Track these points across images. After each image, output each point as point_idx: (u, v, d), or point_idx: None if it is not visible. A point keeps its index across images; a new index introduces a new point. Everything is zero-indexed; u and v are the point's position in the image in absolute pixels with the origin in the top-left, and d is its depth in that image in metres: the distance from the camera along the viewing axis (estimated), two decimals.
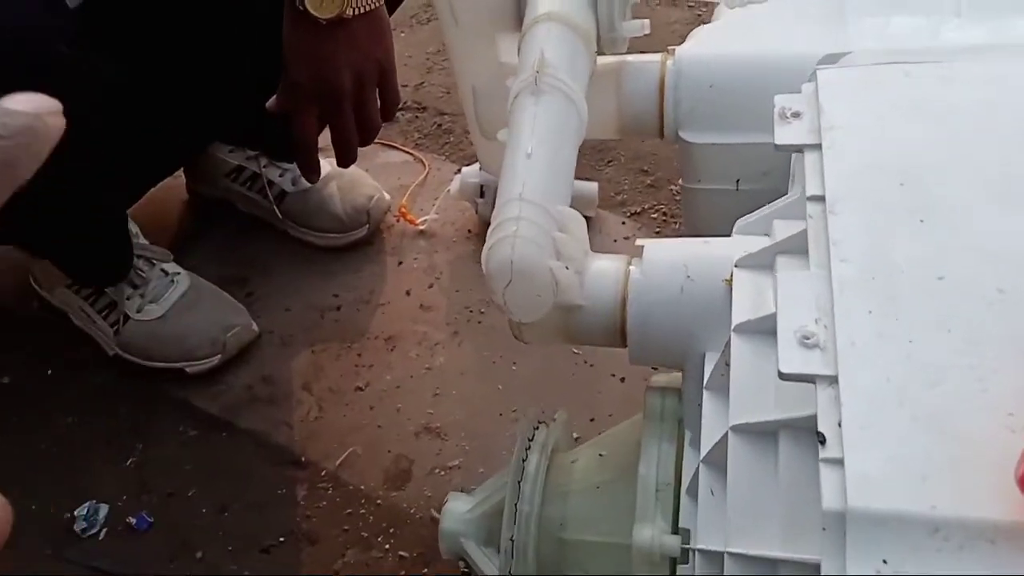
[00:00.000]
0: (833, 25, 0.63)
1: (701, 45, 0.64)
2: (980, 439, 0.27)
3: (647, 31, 0.63)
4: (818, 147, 0.39)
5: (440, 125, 1.31)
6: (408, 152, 1.27)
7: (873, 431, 0.28)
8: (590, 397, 0.96)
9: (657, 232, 1.11)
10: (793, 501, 0.36)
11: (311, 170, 0.86)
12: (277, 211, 1.15)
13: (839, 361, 0.31)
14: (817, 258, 0.35)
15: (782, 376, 0.31)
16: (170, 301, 1.04)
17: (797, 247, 0.44)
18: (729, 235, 0.66)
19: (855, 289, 0.33)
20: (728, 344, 0.43)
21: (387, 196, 1.17)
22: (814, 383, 0.31)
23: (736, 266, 0.46)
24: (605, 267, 0.50)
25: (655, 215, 1.13)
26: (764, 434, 0.38)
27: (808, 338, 0.32)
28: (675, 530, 0.47)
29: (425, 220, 1.17)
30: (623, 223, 1.13)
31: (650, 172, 1.17)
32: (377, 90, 0.81)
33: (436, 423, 0.98)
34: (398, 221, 1.18)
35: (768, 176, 0.63)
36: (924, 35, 0.61)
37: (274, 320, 1.09)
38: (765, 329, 0.42)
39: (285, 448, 0.98)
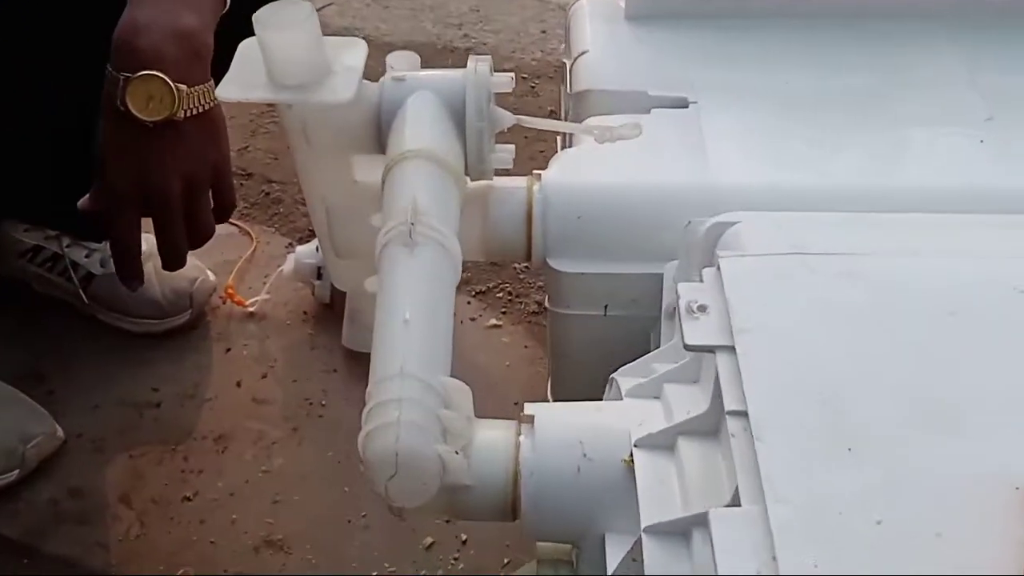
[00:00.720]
0: (694, 156, 0.63)
1: (567, 173, 0.63)
2: None
3: (512, 159, 0.61)
4: (731, 350, 0.38)
5: (268, 194, 1.23)
6: (233, 224, 1.18)
7: None
8: None
9: (503, 312, 1.09)
10: None
11: (133, 278, 0.77)
12: (83, 295, 1.03)
13: None
14: (749, 492, 0.33)
15: None
16: None
17: (698, 429, 0.43)
18: (594, 356, 0.66)
19: (796, 537, 0.31)
20: (639, 542, 0.41)
21: (211, 276, 1.08)
22: None
23: (636, 446, 0.44)
24: (493, 440, 0.47)
25: (500, 294, 1.11)
26: None
27: None
28: None
29: (255, 301, 1.08)
30: (468, 303, 1.10)
31: None
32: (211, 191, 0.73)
33: (277, 535, 0.90)
34: (224, 303, 1.09)
35: (637, 303, 0.63)
36: (781, 171, 0.62)
37: (82, 421, 0.97)
38: (676, 531, 0.40)
39: (100, 575, 0.87)
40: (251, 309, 1.08)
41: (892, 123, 0.65)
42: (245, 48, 0.60)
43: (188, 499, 0.93)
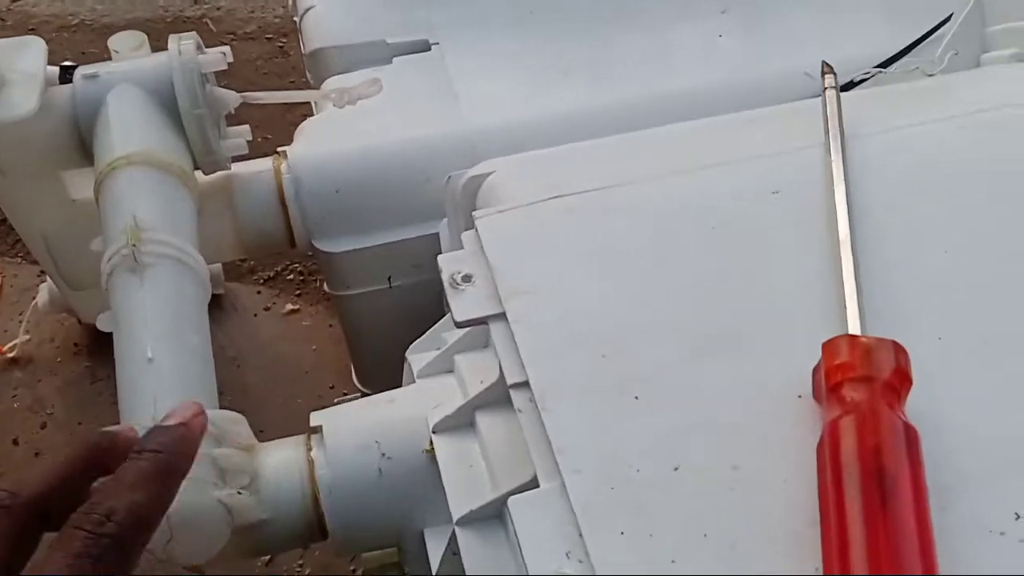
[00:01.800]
0: (444, 102, 0.59)
1: (315, 144, 0.57)
2: None
3: (247, 142, 0.54)
4: (503, 317, 0.35)
5: (3, 221, 1.08)
6: None
7: None
8: None
9: (298, 294, 1.02)
10: None
11: None
12: None
13: None
14: (544, 468, 0.31)
15: None
16: None
17: (494, 399, 0.40)
18: (391, 332, 0.62)
19: (598, 508, 0.29)
20: (454, 535, 0.38)
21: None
22: None
23: (434, 432, 0.41)
24: (282, 464, 0.42)
25: (291, 276, 1.04)
26: None
27: None
28: None
29: (14, 345, 0.96)
30: (259, 292, 1.03)
31: None
32: None
33: None
34: None
35: (421, 267, 0.59)
36: (536, 103, 0.59)
37: None
38: (489, 515, 0.37)
39: None
40: (12, 355, 0.96)
41: (636, 32, 0.64)
42: None
43: None
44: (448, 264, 0.37)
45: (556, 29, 0.66)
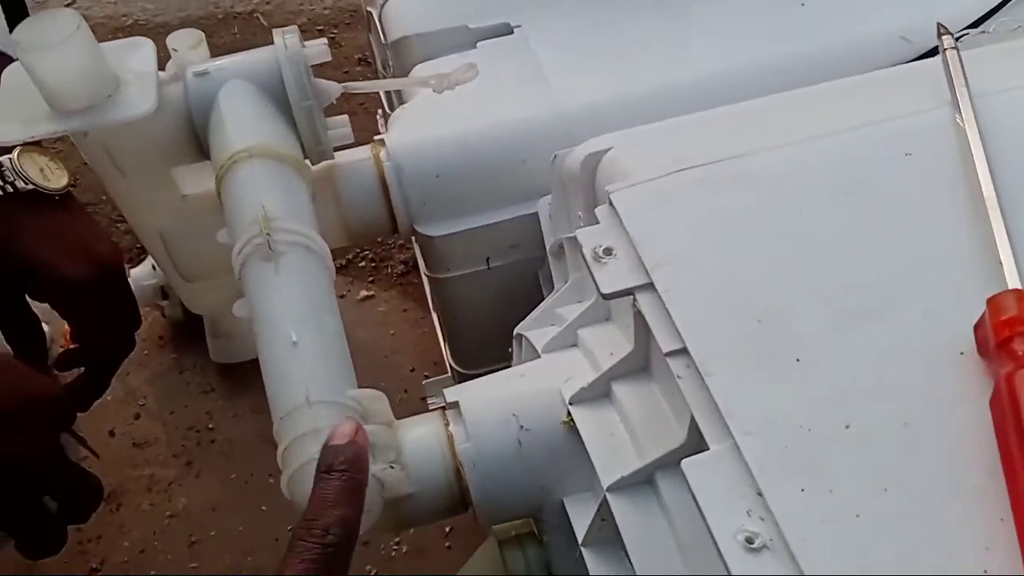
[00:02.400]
0: (535, 83, 0.60)
1: (412, 131, 0.58)
2: None
3: (350, 131, 0.56)
4: (650, 287, 0.36)
5: None
6: None
7: None
8: None
9: (371, 281, 1.04)
10: None
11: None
12: None
13: (799, 562, 0.28)
14: (712, 431, 0.32)
15: None
16: None
17: (628, 370, 0.41)
18: (488, 312, 0.63)
19: (775, 467, 0.30)
20: (604, 502, 0.39)
21: (45, 326, 0.97)
22: None
23: (571, 404, 0.42)
24: (423, 439, 0.44)
25: (363, 264, 1.06)
26: None
27: (752, 540, 0.29)
28: None
29: None
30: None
31: None
32: None
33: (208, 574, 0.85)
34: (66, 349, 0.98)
35: (518, 247, 0.60)
36: (623, 80, 0.60)
37: None
38: (640, 480, 0.38)
39: None
40: None
41: (714, 3, 0.64)
42: (12, 77, 0.51)
43: (96, 570, 0.85)
44: (588, 239, 0.38)
45: (632, 4, 0.66)
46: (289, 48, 0.52)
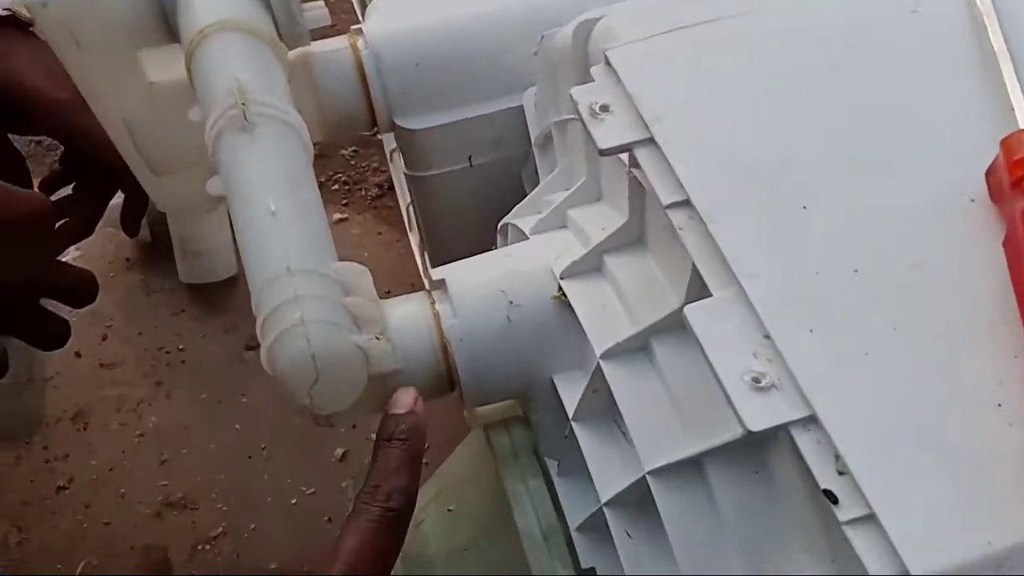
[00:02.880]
0: None
1: (391, 19, 0.56)
2: (988, 446, 0.26)
3: (328, 14, 0.53)
4: (650, 142, 0.34)
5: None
6: None
7: (888, 473, 0.26)
8: None
9: (344, 204, 1.02)
10: (749, 536, 0.32)
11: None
12: None
13: (809, 399, 0.27)
14: (715, 279, 0.31)
15: (751, 435, 0.27)
16: None
17: (622, 243, 0.40)
18: (470, 214, 0.61)
19: (782, 309, 0.29)
20: (597, 372, 0.38)
21: None
22: (787, 431, 0.27)
23: (562, 278, 0.41)
24: (408, 316, 0.42)
25: (335, 187, 1.04)
26: (686, 469, 0.34)
27: (759, 380, 0.28)
28: (578, 574, 0.42)
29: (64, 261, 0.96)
30: None
31: (315, 142, 1.06)
32: None
33: (177, 494, 0.83)
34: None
35: (501, 144, 0.58)
36: None
37: None
38: (635, 348, 0.37)
39: None
40: None
41: None
42: None
43: (63, 487, 0.84)
44: (583, 95, 0.36)
45: None
46: None
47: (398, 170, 0.79)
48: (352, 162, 1.06)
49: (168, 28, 0.51)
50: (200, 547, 0.80)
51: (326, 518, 0.81)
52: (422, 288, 0.79)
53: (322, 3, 0.55)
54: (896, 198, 0.32)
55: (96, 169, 0.61)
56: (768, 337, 0.29)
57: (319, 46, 0.56)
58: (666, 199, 0.33)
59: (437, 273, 0.43)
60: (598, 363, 0.37)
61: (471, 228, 0.59)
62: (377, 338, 0.40)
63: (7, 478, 0.83)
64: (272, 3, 0.50)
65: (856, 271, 0.30)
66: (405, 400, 0.40)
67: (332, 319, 0.38)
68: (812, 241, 0.31)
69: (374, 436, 0.84)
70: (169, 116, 0.54)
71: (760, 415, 0.27)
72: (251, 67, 0.45)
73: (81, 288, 0.52)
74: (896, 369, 0.28)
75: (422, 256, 0.76)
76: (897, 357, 0.28)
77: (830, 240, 0.31)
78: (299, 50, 0.54)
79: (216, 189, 0.44)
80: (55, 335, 0.51)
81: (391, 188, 1.02)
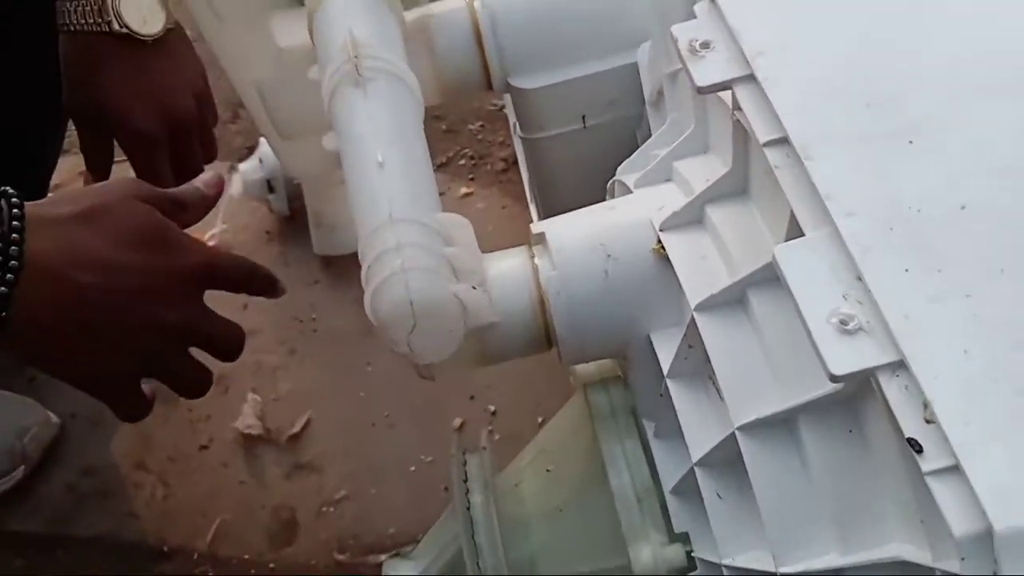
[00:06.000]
0: None
1: None
2: None
3: None
4: (751, 79, 0.33)
5: None
6: None
7: (978, 423, 0.24)
8: (463, 378, 0.88)
9: (471, 179, 1.04)
10: (840, 498, 0.31)
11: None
12: None
13: (899, 342, 0.25)
14: (809, 217, 0.29)
15: (834, 379, 0.25)
16: None
17: (725, 192, 0.39)
18: (584, 176, 0.61)
19: (877, 247, 0.27)
20: (691, 325, 0.37)
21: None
22: (874, 376, 0.26)
23: (662, 230, 0.40)
24: (508, 269, 0.43)
25: (463, 162, 1.05)
26: (777, 426, 0.33)
27: (846, 323, 0.26)
28: (671, 538, 0.41)
29: (213, 234, 1.02)
30: None
31: (443, 117, 1.08)
32: None
33: (305, 457, 0.88)
34: None
35: (616, 104, 0.58)
36: None
37: (72, 401, 0.92)
38: (731, 300, 0.36)
39: (140, 543, 0.84)
40: (211, 243, 1.02)
41: None
42: None
43: (205, 447, 0.89)
44: (683, 32, 0.35)
45: None
46: None
47: (520, 143, 0.79)
48: (479, 137, 1.07)
49: None
50: (325, 509, 0.84)
51: (443, 487, 0.82)
52: None
53: None
54: (1009, 131, 0.29)
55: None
56: (860, 278, 0.27)
57: (437, 7, 0.57)
58: (763, 136, 0.31)
59: (538, 227, 0.43)
60: (692, 316, 0.36)
61: (585, 191, 0.58)
62: (475, 288, 0.40)
63: (156, 436, 0.90)
64: None
65: (963, 207, 0.28)
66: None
67: (431, 267, 0.39)
68: (916, 176, 0.29)
69: (491, 408, 0.86)
70: (295, 81, 0.56)
71: (845, 359, 0.25)
72: (367, 22, 0.47)
73: (232, 342, 0.52)
74: (998, 314, 0.25)
75: (539, 217, 0.76)
76: (1000, 301, 0.25)
77: (936, 175, 0.28)
78: (417, 11, 0.56)
79: (331, 145, 0.45)
80: (198, 385, 0.51)
81: (515, 163, 1.03)
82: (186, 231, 0.48)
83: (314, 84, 0.48)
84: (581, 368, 0.47)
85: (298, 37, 0.57)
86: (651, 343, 0.41)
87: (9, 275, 0.38)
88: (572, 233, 0.42)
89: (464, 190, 1.02)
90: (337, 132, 0.44)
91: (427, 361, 0.41)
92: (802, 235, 0.30)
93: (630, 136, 0.59)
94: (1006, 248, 0.27)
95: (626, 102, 0.57)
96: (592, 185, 0.56)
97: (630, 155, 0.59)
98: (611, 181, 0.51)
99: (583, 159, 0.60)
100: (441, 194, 1.01)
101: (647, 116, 0.54)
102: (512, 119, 0.89)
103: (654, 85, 0.51)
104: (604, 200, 0.54)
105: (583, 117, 0.58)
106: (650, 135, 0.55)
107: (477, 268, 0.41)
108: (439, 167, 1.05)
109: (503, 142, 1.05)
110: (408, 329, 0.38)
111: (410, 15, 0.54)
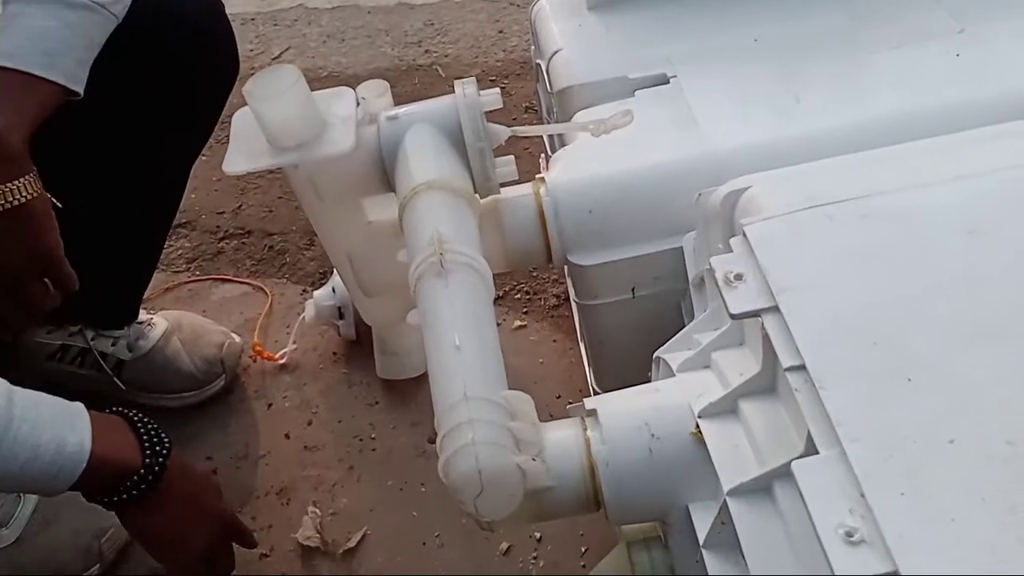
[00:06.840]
0: (686, 128, 0.65)
1: (570, 170, 0.65)
2: None
3: (514, 171, 0.63)
4: (775, 310, 0.40)
5: (271, 247, 1.25)
6: (244, 282, 1.20)
7: None
8: None
9: (525, 312, 1.11)
10: None
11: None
12: (119, 382, 1.05)
13: (895, 557, 0.31)
14: (822, 439, 0.35)
15: None
16: (23, 519, 0.92)
17: (756, 389, 0.45)
18: (631, 338, 0.68)
19: (878, 472, 0.33)
20: (724, 506, 0.43)
21: (237, 337, 1.09)
22: None
23: (700, 417, 0.46)
24: (562, 440, 0.49)
25: (518, 296, 1.13)
26: None
27: (852, 535, 0.32)
28: None
29: (284, 353, 1.10)
30: None
31: None
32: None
33: (359, 571, 0.92)
34: (255, 360, 1.10)
35: (662, 279, 0.65)
36: (769, 125, 0.64)
37: None
38: (759, 488, 0.42)
39: None
40: (282, 361, 1.10)
41: (868, 54, 0.67)
42: (240, 120, 0.62)
43: (265, 555, 0.95)
44: (721, 264, 0.42)
45: (783, 55, 0.70)
46: (467, 96, 0.60)
47: (575, 306, 0.87)
48: (533, 273, 1.15)
49: (386, 180, 0.62)
50: None
51: None
52: (588, 394, 0.86)
53: (512, 158, 0.64)
54: (997, 374, 0.35)
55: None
56: (863, 496, 0.33)
57: (507, 192, 0.65)
58: (786, 362, 0.38)
59: (590, 403, 0.50)
60: (725, 499, 0.42)
61: (632, 351, 0.65)
62: (534, 459, 0.46)
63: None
64: (471, 164, 0.60)
65: (951, 442, 0.33)
66: None
67: (498, 440, 0.46)
68: (912, 411, 0.35)
69: (538, 535, 0.90)
70: (381, 250, 0.65)
71: (851, 566, 0.31)
72: (450, 220, 0.55)
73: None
74: (979, 538, 0.31)
75: (590, 368, 0.82)
76: (981, 527, 0.31)
77: (929, 411, 0.34)
78: (491, 197, 0.64)
79: (415, 320, 0.53)
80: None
81: (567, 299, 1.10)
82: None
83: (394, 256, 0.56)
84: (626, 529, 0.52)
85: (385, 214, 0.66)
86: (689, 514, 0.47)
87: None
88: (621, 411, 0.49)
89: (518, 323, 1.10)
90: (420, 312, 0.52)
91: (489, 519, 0.47)
92: (816, 451, 0.36)
93: (675, 306, 0.66)
94: (985, 479, 0.32)
95: (671, 278, 0.64)
96: (640, 346, 0.63)
97: (674, 321, 0.66)
98: (656, 355, 0.57)
99: (631, 323, 0.67)
100: (497, 325, 1.10)
101: (690, 292, 0.61)
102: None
103: (697, 272, 0.58)
104: (647, 362, 0.60)
105: (632, 289, 0.65)
106: (692, 308, 0.62)
107: (537, 440, 0.48)
108: (496, 300, 1.12)
109: (556, 279, 1.13)
110: (475, 494, 0.45)
111: (484, 201, 0.63)
